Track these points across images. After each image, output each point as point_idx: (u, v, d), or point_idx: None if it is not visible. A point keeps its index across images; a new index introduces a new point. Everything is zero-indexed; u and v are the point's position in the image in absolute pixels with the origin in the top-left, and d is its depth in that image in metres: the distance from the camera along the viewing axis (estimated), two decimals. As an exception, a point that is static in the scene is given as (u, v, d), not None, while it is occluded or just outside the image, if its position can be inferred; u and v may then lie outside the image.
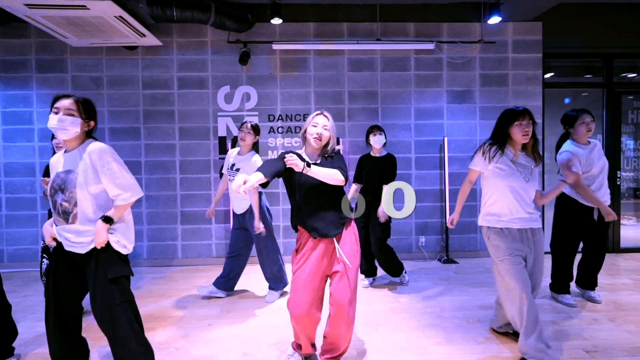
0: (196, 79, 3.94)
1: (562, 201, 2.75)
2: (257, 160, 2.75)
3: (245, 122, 2.87)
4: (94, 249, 1.58)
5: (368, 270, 3.27)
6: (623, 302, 2.79)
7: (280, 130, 4.01)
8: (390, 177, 3.06)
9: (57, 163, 1.63)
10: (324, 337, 1.84)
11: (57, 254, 1.64)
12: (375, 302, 2.86)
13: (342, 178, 1.73)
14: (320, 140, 1.81)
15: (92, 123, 1.65)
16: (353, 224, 1.91)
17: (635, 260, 3.96)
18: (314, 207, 1.78)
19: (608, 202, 2.65)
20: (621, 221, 4.55)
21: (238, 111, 3.97)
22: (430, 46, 3.88)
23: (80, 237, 1.57)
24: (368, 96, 4.04)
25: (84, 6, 2.67)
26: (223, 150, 3.93)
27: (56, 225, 1.62)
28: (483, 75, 4.09)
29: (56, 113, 1.56)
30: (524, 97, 4.11)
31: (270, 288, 2.94)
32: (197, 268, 3.87)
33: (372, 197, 3.09)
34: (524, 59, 4.09)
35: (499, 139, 2.06)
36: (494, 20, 3.43)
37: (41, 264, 2.60)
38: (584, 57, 4.32)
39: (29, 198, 3.89)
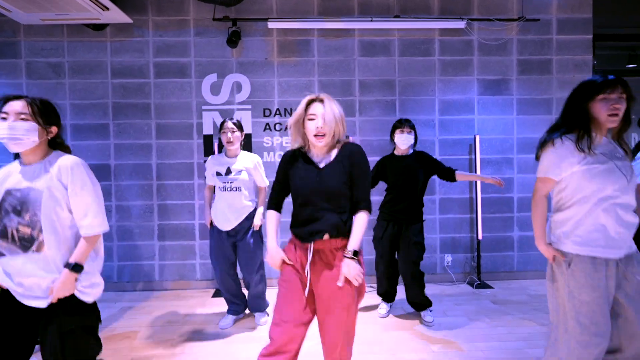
0: (176, 65, 3.27)
1: None
2: (259, 163, 2.44)
3: (225, 121, 2.39)
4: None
5: (388, 293, 2.67)
6: None
7: (277, 127, 3.33)
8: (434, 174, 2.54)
9: (8, 178, 1.30)
10: None
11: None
12: (400, 350, 2.18)
13: (367, 216, 1.42)
14: (324, 135, 1.41)
15: (54, 129, 1.35)
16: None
17: None
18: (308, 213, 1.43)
19: None
20: None
21: (227, 104, 3.30)
22: (460, 24, 3.20)
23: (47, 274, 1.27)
24: (383, 86, 3.36)
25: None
26: (209, 151, 3.26)
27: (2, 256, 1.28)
28: (521, 61, 3.40)
29: (5, 119, 1.26)
30: (571, 88, 3.40)
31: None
32: (177, 293, 3.21)
33: (403, 207, 2.48)
34: (570, 41, 3.40)
35: (576, 122, 1.40)
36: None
37: None
38: (638, 40, 3.62)
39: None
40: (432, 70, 3.38)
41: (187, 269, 3.33)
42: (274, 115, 3.34)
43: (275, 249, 1.45)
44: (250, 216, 2.42)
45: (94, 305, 1.38)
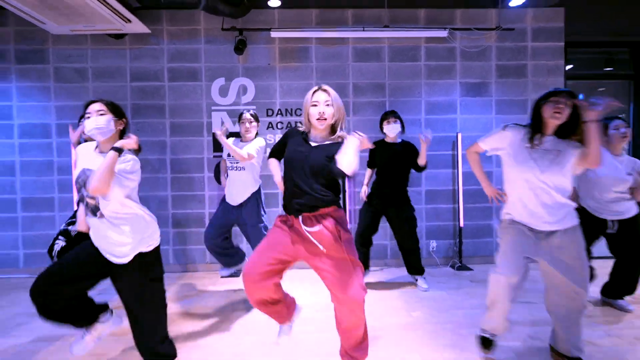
0: (188, 70, 3.64)
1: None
2: (256, 141, 2.71)
3: (243, 112, 2.76)
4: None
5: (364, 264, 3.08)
6: (666, 318, 2.47)
7: (279, 125, 3.70)
8: (413, 164, 2.92)
9: (89, 159, 1.65)
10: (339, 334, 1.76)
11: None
12: (385, 315, 2.55)
13: (352, 170, 1.56)
14: (325, 119, 1.67)
15: (124, 120, 1.72)
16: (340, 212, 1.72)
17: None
18: (296, 185, 1.68)
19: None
20: None
21: (234, 105, 3.67)
22: (443, 33, 3.56)
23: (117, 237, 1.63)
24: (375, 89, 3.72)
25: (57, -16, 2.37)
26: (218, 148, 3.63)
27: (87, 216, 1.68)
28: (500, 66, 3.77)
29: (89, 117, 1.61)
30: (545, 90, 3.77)
31: None
32: (190, 275, 3.58)
33: (389, 190, 2.90)
34: (544, 48, 3.76)
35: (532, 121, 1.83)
36: (516, 2, 3.10)
37: (53, 244, 2.37)
38: (609, 47, 3.98)
39: (9, 199, 3.60)
40: (418, 74, 3.74)
41: (198, 254, 3.71)
42: (276, 115, 3.70)
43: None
44: (255, 195, 2.74)
45: (159, 260, 1.75)
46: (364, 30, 3.53)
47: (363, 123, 3.71)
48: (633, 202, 2.45)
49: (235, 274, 3.26)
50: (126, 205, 1.65)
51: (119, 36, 3.53)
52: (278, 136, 3.70)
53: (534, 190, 1.75)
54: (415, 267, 3.06)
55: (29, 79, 3.58)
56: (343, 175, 1.56)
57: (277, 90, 3.69)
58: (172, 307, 2.75)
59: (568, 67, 3.99)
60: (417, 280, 3.10)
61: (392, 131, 2.90)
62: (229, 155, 2.75)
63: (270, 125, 3.70)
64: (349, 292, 1.58)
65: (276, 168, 1.88)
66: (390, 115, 2.93)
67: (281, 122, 3.70)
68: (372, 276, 3.44)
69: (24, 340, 2.30)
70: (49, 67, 3.59)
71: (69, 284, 1.62)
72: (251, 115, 2.75)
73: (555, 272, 1.74)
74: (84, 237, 1.76)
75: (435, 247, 3.78)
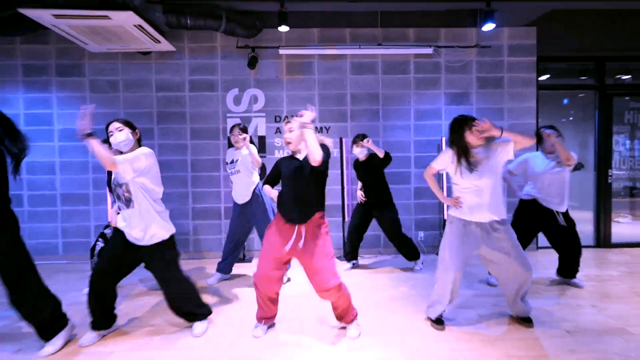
0: (207, 82, 4.16)
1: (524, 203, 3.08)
2: (250, 150, 3.00)
3: (234, 126, 3.11)
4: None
5: (349, 254, 3.67)
6: (607, 291, 2.99)
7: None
8: (381, 166, 3.43)
9: None
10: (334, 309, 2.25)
11: (117, 234, 2.19)
12: (375, 291, 3.07)
13: (319, 158, 1.93)
14: (290, 143, 2.16)
15: (138, 131, 2.20)
16: (325, 222, 2.20)
17: (625, 255, 4.14)
18: (290, 196, 2.12)
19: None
20: (615, 219, 4.74)
21: (246, 112, 4.19)
22: (429, 50, 4.08)
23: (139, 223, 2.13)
24: (370, 98, 4.25)
25: (107, 16, 2.89)
26: (232, 150, 4.15)
27: (119, 210, 2.18)
28: (479, 78, 4.29)
29: (112, 135, 2.09)
30: (519, 99, 4.31)
31: None
32: (207, 261, 4.10)
33: (373, 200, 3.49)
34: (518, 63, 4.29)
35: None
36: (489, 27, 3.62)
37: (94, 246, 2.96)
38: (576, 61, 4.50)
39: (50, 195, 4.12)
40: (408, 85, 4.26)
41: (214, 243, 4.22)
42: (283, 121, 4.22)
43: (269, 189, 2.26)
44: (257, 191, 3.16)
45: (173, 244, 2.25)
46: (360, 47, 4.05)
47: (359, 128, 4.23)
48: (566, 197, 2.96)
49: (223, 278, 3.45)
50: (144, 198, 2.14)
51: (146, 53, 4.05)
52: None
53: (476, 191, 2.23)
54: (408, 256, 3.58)
55: (68, 90, 4.10)
56: (316, 165, 1.96)
57: (284, 100, 4.21)
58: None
59: (545, 76, 4.51)
60: (415, 264, 3.65)
61: (359, 154, 3.46)
62: (227, 163, 3.22)
63: (277, 130, 4.22)
64: (322, 284, 2.09)
65: (270, 189, 2.27)
66: (357, 139, 3.42)
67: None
68: (367, 261, 3.96)
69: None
70: (85, 79, 4.11)
71: (114, 274, 2.17)
72: (240, 129, 3.08)
73: (501, 256, 2.24)
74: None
75: (423, 236, 4.30)
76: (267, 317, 2.33)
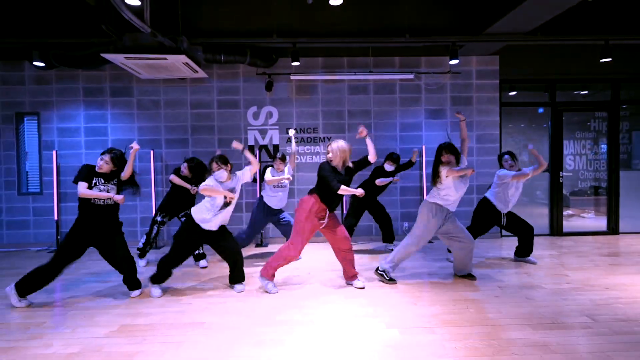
0: (231, 101, 5.14)
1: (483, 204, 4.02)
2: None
3: (277, 156, 4.12)
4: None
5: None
6: (543, 264, 3.95)
7: (295, 140, 5.20)
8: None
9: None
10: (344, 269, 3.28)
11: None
12: (368, 270, 4.04)
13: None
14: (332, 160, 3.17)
15: (230, 165, 3.34)
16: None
17: (570, 241, 5.10)
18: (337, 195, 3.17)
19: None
20: (580, 214, 5.67)
21: (263, 125, 5.17)
22: (411, 76, 5.06)
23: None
24: (363, 114, 5.22)
25: (165, 58, 3.86)
26: (252, 156, 5.12)
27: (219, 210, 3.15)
28: (453, 97, 5.26)
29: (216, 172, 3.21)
30: (485, 114, 5.28)
31: None
32: (232, 246, 5.06)
33: (368, 204, 4.53)
34: (484, 84, 5.26)
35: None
36: (454, 62, 4.58)
37: (151, 231, 3.91)
38: (532, 82, 5.48)
39: (104, 192, 5.09)
40: (394, 103, 5.24)
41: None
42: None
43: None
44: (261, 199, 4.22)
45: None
46: (355, 73, 5.03)
47: (355, 138, 5.18)
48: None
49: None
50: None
51: (183, 78, 5.03)
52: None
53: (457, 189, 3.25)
54: (386, 238, 4.60)
55: (119, 107, 5.08)
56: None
57: (294, 115, 5.18)
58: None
59: (513, 92, 5.47)
60: (390, 245, 4.62)
61: (391, 166, 4.42)
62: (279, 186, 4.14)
63: (289, 140, 5.19)
64: (346, 234, 3.18)
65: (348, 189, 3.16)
66: (391, 159, 4.41)
67: (296, 138, 5.19)
68: (361, 247, 4.93)
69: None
70: (133, 99, 5.09)
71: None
72: (279, 158, 4.03)
73: (456, 233, 3.25)
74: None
75: (407, 226, 5.26)
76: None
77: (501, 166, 3.94)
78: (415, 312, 2.72)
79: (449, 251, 4.12)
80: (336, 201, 3.16)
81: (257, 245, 4.97)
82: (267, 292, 3.17)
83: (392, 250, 4.57)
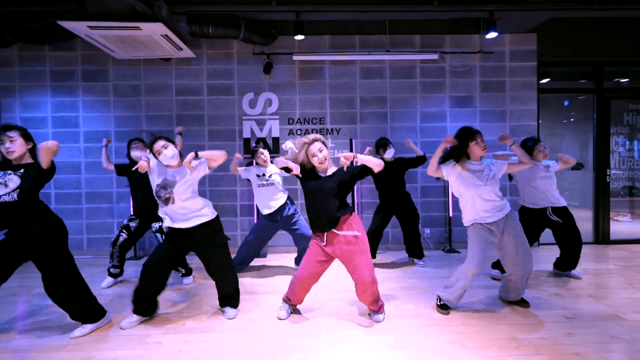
0: (224, 86, 4.40)
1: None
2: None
3: (258, 148, 3.47)
4: None
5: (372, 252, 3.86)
6: (604, 283, 3.19)
7: (298, 132, 4.44)
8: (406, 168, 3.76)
9: (161, 171, 2.49)
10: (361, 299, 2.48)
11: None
12: (387, 281, 3.28)
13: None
14: (324, 164, 2.38)
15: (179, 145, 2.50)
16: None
17: (622, 251, 4.33)
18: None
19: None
20: (614, 217, 4.93)
21: (261, 115, 4.42)
22: (435, 56, 4.30)
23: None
24: (378, 101, 4.46)
25: (138, 27, 3.12)
26: (247, 150, 4.38)
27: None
28: (483, 82, 4.50)
29: (160, 153, 2.40)
30: (520, 102, 4.52)
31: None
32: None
33: (394, 200, 3.74)
34: (520, 67, 4.50)
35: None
36: (491, 35, 3.83)
37: (118, 237, 3.19)
38: (575, 65, 4.71)
39: (75, 193, 4.36)
40: (414, 89, 4.48)
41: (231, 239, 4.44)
42: (296, 123, 4.44)
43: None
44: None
45: (221, 230, 2.53)
46: (369, 53, 4.27)
47: (368, 130, 4.44)
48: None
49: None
50: None
51: (167, 59, 4.29)
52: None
53: (482, 196, 2.48)
54: (414, 253, 3.83)
55: (93, 94, 4.34)
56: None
57: (296, 103, 4.43)
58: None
59: (546, 80, 4.71)
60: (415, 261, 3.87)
61: (388, 155, 3.66)
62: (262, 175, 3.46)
63: (290, 132, 4.44)
64: (363, 276, 2.33)
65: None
66: (381, 144, 3.68)
67: (300, 129, 4.44)
68: (378, 256, 4.16)
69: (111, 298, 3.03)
70: (109, 84, 4.35)
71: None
72: (260, 148, 3.47)
73: (512, 249, 2.48)
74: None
75: (429, 233, 4.50)
76: (294, 303, 2.60)
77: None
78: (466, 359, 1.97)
79: (494, 266, 3.36)
80: (314, 213, 2.38)
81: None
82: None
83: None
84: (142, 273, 2.42)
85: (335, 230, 2.32)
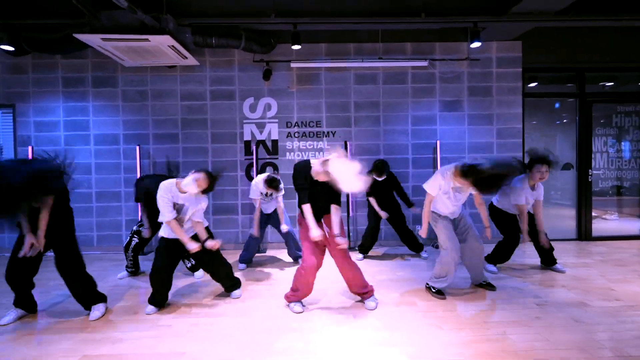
0: (226, 91, 4.66)
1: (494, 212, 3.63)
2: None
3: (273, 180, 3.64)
4: None
5: (366, 249, 4.20)
6: (579, 275, 3.44)
7: (296, 135, 4.70)
8: (399, 189, 4.13)
9: (177, 195, 2.68)
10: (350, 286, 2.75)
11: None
12: (377, 274, 3.54)
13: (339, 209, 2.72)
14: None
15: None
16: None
17: (603, 247, 4.58)
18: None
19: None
20: (602, 216, 5.17)
21: (261, 119, 4.68)
22: (425, 63, 4.56)
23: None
24: (371, 105, 4.72)
25: (147, 39, 3.38)
26: (248, 152, 4.64)
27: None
28: (470, 87, 4.75)
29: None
30: (506, 106, 4.77)
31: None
32: (226, 252, 4.57)
33: (389, 212, 4.09)
34: (506, 73, 4.75)
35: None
36: (475, 45, 4.07)
37: (130, 241, 3.47)
38: (558, 72, 4.96)
39: (86, 193, 4.63)
40: (406, 94, 4.74)
41: (232, 235, 4.70)
42: (294, 127, 4.70)
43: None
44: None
45: (211, 236, 2.83)
46: (362, 60, 4.53)
47: (362, 132, 4.70)
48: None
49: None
50: None
51: (172, 66, 4.55)
52: (295, 143, 4.70)
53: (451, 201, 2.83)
54: (413, 247, 4.17)
55: (103, 99, 4.61)
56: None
57: (294, 107, 4.69)
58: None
59: (534, 84, 4.96)
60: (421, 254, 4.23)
61: (379, 177, 3.96)
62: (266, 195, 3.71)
63: (289, 135, 4.70)
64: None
65: (310, 215, 2.59)
66: (374, 170, 3.95)
67: (297, 132, 4.70)
68: (371, 252, 4.43)
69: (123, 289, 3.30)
70: (118, 90, 4.62)
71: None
72: (268, 186, 3.56)
73: (469, 239, 2.83)
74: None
75: (419, 229, 4.75)
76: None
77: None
78: (443, 340, 2.23)
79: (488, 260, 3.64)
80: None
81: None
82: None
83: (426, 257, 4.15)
84: (152, 282, 2.69)
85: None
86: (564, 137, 5.54)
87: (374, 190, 4.03)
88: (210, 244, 2.70)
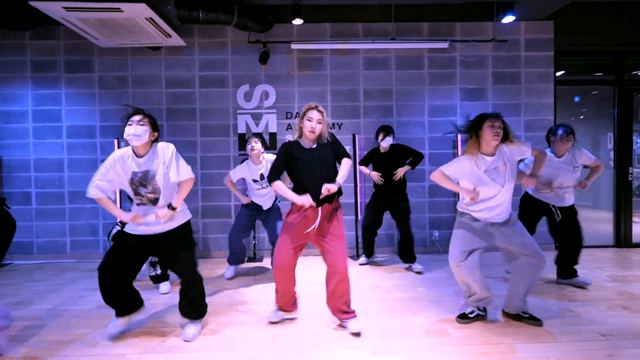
0: (217, 78, 4.09)
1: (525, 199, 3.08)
2: (269, 158, 3.13)
3: (249, 138, 3.19)
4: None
5: (368, 250, 3.69)
6: (636, 292, 2.86)
7: (297, 127, 4.13)
8: (403, 162, 3.43)
9: (131, 164, 2.05)
10: (330, 298, 2.25)
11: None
12: (395, 291, 2.97)
13: (350, 160, 2.28)
14: (314, 132, 2.18)
15: (156, 134, 2.10)
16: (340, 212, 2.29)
17: (647, 255, 4.00)
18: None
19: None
20: (633, 218, 4.60)
21: (257, 109, 4.11)
22: (444, 45, 3.99)
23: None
24: (383, 94, 4.15)
25: (119, 9, 2.82)
26: (243, 147, 4.07)
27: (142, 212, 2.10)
28: (495, 73, 4.18)
29: (131, 125, 1.97)
30: (536, 95, 4.20)
31: None
32: (216, 260, 4.01)
33: (391, 192, 3.41)
34: (535, 57, 4.17)
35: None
36: (508, 19, 3.51)
37: (112, 230, 2.95)
38: (595, 55, 4.38)
39: (58, 193, 4.06)
40: (422, 81, 4.16)
41: (224, 241, 4.13)
42: (294, 118, 4.13)
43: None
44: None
45: (189, 233, 2.22)
46: (373, 42, 3.96)
47: (372, 124, 4.13)
48: (572, 194, 2.94)
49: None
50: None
51: (156, 48, 3.98)
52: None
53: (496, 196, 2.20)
54: (406, 257, 3.50)
55: (77, 86, 4.05)
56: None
57: (295, 96, 4.12)
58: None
59: (560, 73, 4.39)
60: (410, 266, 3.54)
61: (385, 143, 3.40)
62: (261, 178, 3.19)
63: (289, 127, 4.13)
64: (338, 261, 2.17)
65: (284, 187, 2.21)
66: (382, 131, 3.42)
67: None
68: (383, 260, 3.85)
69: (89, 307, 2.73)
70: (94, 75, 4.05)
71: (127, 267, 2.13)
72: (253, 141, 3.14)
73: (516, 249, 2.21)
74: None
75: (438, 236, 4.18)
76: (285, 308, 2.37)
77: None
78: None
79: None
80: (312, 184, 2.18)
81: (250, 260, 3.92)
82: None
83: (419, 272, 3.48)
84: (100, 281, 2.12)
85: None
86: (584, 133, 4.96)
87: (374, 162, 3.50)
88: (162, 213, 2.06)
